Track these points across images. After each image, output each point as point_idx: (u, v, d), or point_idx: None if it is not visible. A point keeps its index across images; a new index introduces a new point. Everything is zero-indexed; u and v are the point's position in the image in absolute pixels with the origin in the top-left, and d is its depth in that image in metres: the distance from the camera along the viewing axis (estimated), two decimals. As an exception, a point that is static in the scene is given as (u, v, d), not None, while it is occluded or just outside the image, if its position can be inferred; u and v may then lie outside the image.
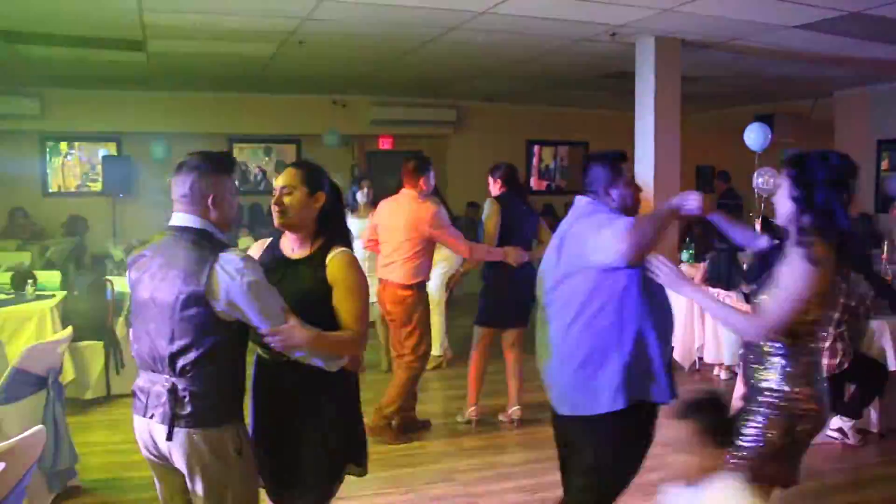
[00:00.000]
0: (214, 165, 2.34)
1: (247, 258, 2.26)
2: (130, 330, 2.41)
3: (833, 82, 9.08)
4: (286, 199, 2.49)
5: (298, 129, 10.88)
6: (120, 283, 5.70)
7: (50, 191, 10.56)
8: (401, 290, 4.66)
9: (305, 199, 2.50)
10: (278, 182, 2.53)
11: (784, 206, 2.45)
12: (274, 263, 2.53)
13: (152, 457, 2.36)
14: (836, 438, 4.70)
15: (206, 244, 2.25)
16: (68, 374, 4.96)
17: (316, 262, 2.48)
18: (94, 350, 5.41)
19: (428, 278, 4.83)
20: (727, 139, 11.49)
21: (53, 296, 5.66)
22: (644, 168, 6.95)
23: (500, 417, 5.05)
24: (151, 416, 2.25)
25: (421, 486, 4.10)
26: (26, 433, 2.45)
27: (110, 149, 10.65)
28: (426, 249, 4.69)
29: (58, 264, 7.90)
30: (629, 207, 2.82)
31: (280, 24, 6.24)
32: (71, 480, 3.89)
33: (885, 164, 9.35)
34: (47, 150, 10.55)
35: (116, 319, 5.58)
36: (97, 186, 10.54)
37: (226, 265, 2.19)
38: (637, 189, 2.90)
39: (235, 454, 2.28)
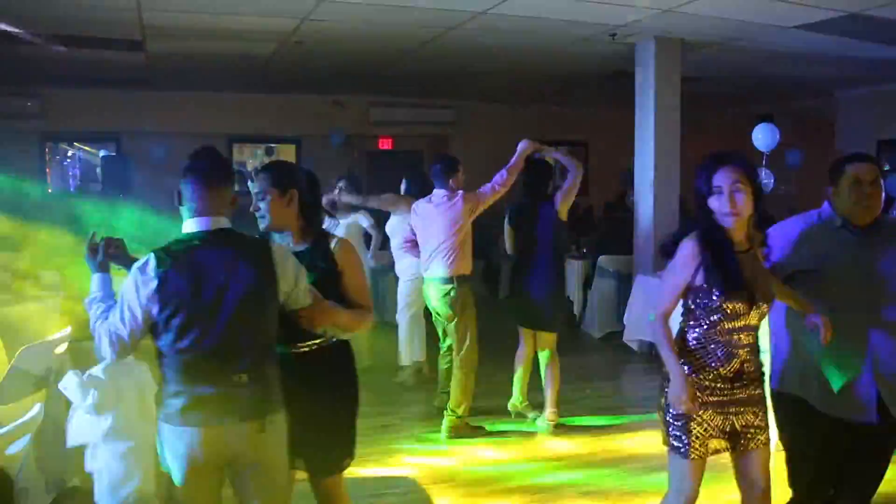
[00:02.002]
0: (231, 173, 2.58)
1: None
2: (173, 343, 2.27)
3: (833, 82, 9.08)
4: (262, 205, 2.66)
5: (298, 129, 10.88)
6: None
7: (49, 191, 10.56)
8: (444, 284, 4.71)
9: (278, 199, 2.64)
10: (253, 189, 2.70)
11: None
12: None
13: (209, 467, 2.30)
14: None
15: (252, 237, 2.46)
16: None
17: (321, 251, 2.68)
18: (93, 350, 5.39)
19: (469, 272, 4.85)
20: (727, 139, 11.51)
21: (53, 296, 5.65)
22: (644, 168, 6.96)
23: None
24: (226, 422, 2.27)
25: (421, 486, 4.10)
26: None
27: (110, 149, 10.65)
28: (465, 242, 4.77)
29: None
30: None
31: (280, 24, 6.24)
32: (70, 481, 3.88)
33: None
34: (47, 150, 10.55)
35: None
36: (97, 186, 10.54)
37: (281, 250, 2.41)
38: None
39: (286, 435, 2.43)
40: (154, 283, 2.22)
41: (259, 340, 2.34)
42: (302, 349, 2.62)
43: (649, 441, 5.00)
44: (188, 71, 8.53)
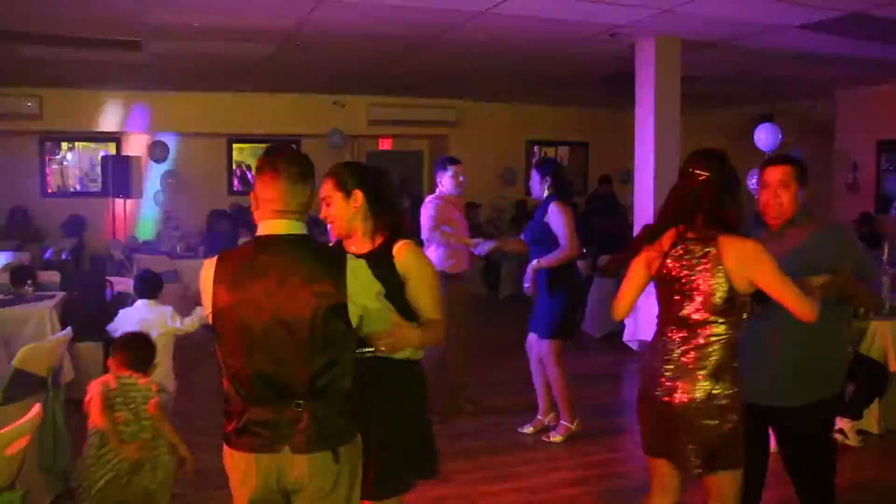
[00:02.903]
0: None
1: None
2: (227, 355, 2.07)
3: (833, 82, 9.08)
4: (329, 211, 2.47)
5: (298, 129, 10.88)
6: (120, 284, 5.70)
7: (49, 191, 10.57)
8: None
9: (343, 203, 2.46)
10: (319, 195, 2.46)
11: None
12: None
13: (266, 495, 2.07)
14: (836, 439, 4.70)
15: (329, 250, 2.22)
16: (68, 375, 4.95)
17: (383, 256, 2.42)
18: (93, 350, 5.40)
19: (456, 269, 4.96)
20: (727, 139, 11.50)
21: (53, 296, 5.66)
22: (644, 168, 6.95)
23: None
24: (282, 450, 2.02)
25: (421, 485, 4.09)
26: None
27: (110, 149, 10.65)
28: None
29: (57, 264, 7.89)
30: None
31: (280, 24, 6.24)
32: (70, 481, 3.88)
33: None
34: (47, 150, 10.55)
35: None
36: (97, 186, 10.55)
37: (361, 269, 2.10)
38: None
39: (361, 465, 2.19)
40: (210, 284, 2.05)
41: (322, 364, 2.03)
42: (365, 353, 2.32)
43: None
44: (188, 71, 8.53)
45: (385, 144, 11.66)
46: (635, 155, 7.08)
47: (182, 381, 5.85)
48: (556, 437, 4.70)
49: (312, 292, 2.00)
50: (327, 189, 2.47)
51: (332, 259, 2.10)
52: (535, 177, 4.79)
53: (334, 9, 5.69)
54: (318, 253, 2.11)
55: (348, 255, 2.14)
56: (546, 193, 4.69)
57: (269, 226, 2.09)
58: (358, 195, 2.45)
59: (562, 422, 4.74)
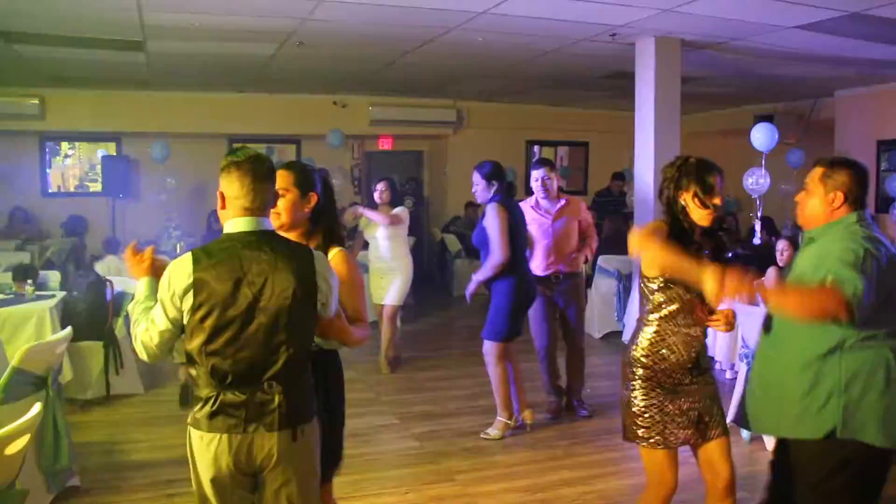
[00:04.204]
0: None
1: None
2: (204, 345, 2.18)
3: (833, 82, 9.08)
4: (280, 202, 2.54)
5: (298, 129, 10.89)
6: (120, 283, 5.70)
7: (50, 191, 10.57)
8: None
9: (298, 200, 2.58)
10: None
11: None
12: None
13: (236, 475, 2.22)
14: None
15: (296, 244, 2.36)
16: (68, 375, 4.96)
17: None
18: (93, 350, 5.40)
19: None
20: (727, 139, 11.51)
21: (53, 296, 5.66)
22: (644, 168, 6.96)
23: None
24: (255, 429, 2.19)
25: (421, 486, 4.10)
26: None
27: (110, 149, 10.65)
28: None
29: (57, 264, 7.90)
30: None
31: (280, 24, 6.24)
32: (70, 481, 3.89)
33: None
34: (47, 150, 10.55)
35: (116, 320, 5.57)
36: (97, 187, 10.55)
37: (322, 259, 2.34)
38: None
39: (319, 439, 2.38)
40: (188, 282, 2.14)
41: (294, 349, 2.23)
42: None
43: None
44: (188, 71, 8.53)
45: (385, 144, 11.66)
46: (635, 155, 7.09)
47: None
48: (493, 433, 4.75)
49: (291, 282, 2.20)
50: (285, 181, 2.58)
51: (301, 252, 2.30)
52: (477, 181, 4.68)
53: (334, 9, 5.69)
54: (289, 246, 2.29)
55: (315, 252, 2.34)
56: (489, 195, 4.65)
57: (242, 223, 2.23)
58: (313, 198, 2.61)
59: (498, 418, 4.78)
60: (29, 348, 3.62)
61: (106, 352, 5.44)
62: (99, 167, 10.48)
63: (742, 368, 4.87)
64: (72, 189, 10.73)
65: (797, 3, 5.42)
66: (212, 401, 2.18)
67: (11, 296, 5.63)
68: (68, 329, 4.09)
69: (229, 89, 10.03)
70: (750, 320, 4.82)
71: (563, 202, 5.10)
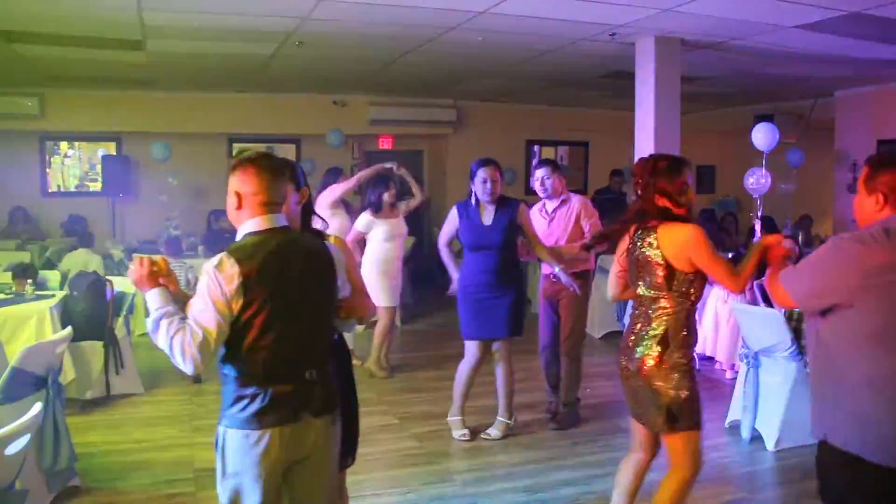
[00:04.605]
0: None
1: None
2: (255, 341, 2.19)
3: (833, 82, 9.08)
4: None
5: (298, 129, 10.89)
6: (120, 283, 5.70)
7: (49, 191, 10.56)
8: None
9: (294, 195, 2.62)
10: None
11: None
12: None
13: (279, 467, 2.24)
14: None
15: (311, 235, 2.55)
16: (68, 375, 4.96)
17: None
18: (93, 350, 5.40)
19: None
20: (727, 139, 11.52)
21: (53, 296, 5.66)
22: (644, 168, 6.95)
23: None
24: (304, 417, 2.27)
25: (421, 486, 4.10)
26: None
27: (110, 149, 10.65)
28: None
29: (57, 264, 7.89)
30: None
31: (280, 24, 6.24)
32: (70, 481, 3.89)
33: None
34: (47, 150, 10.55)
35: (116, 319, 5.57)
36: (97, 186, 10.55)
37: (332, 247, 2.48)
38: None
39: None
40: (238, 281, 2.13)
41: (326, 335, 2.41)
42: None
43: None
44: (188, 71, 8.53)
45: (385, 144, 11.66)
46: (635, 155, 7.08)
47: (182, 383, 5.88)
48: (494, 434, 4.80)
49: (324, 271, 2.36)
50: None
51: (320, 242, 2.46)
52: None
53: (334, 9, 5.69)
54: (309, 238, 2.46)
55: (326, 241, 2.51)
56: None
57: (264, 220, 2.27)
58: (305, 192, 2.70)
59: (500, 418, 4.87)
60: (28, 348, 3.62)
61: (106, 352, 5.44)
62: (99, 167, 10.48)
63: (742, 368, 4.86)
64: (72, 189, 10.73)
65: (797, 3, 5.42)
66: (260, 397, 2.19)
67: (11, 295, 5.64)
68: (68, 329, 4.09)
69: (229, 89, 10.03)
70: (750, 320, 4.82)
71: (558, 202, 5.03)
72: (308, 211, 2.74)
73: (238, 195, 2.26)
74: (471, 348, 4.70)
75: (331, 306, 2.41)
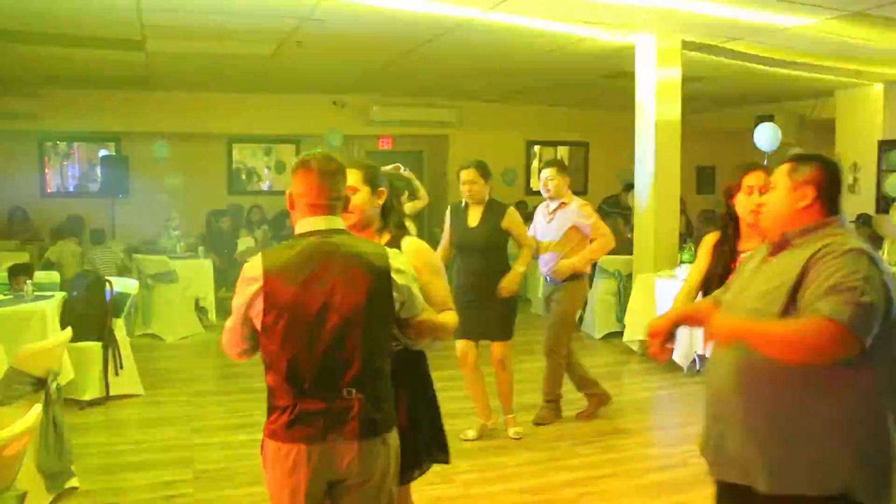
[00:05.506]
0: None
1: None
2: (279, 350, 2.12)
3: (833, 82, 9.09)
4: (352, 200, 2.48)
5: (298, 129, 10.88)
6: (119, 284, 5.69)
7: (48, 191, 10.55)
8: None
9: (369, 197, 2.56)
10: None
11: None
12: None
13: (315, 485, 2.14)
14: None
15: (368, 241, 2.33)
16: (67, 375, 4.95)
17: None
18: (92, 351, 5.39)
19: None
20: (727, 139, 11.51)
21: (53, 296, 5.65)
22: (644, 168, 6.95)
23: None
24: (335, 439, 2.11)
25: (421, 486, 4.08)
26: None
27: (109, 149, 10.64)
28: None
29: (56, 264, 7.88)
30: None
31: (280, 24, 6.24)
32: (69, 482, 3.88)
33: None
34: (45, 150, 10.54)
35: (115, 320, 5.57)
36: (96, 186, 10.54)
37: (398, 256, 2.26)
38: None
39: (399, 450, 2.31)
40: (258, 285, 2.09)
41: (371, 352, 2.16)
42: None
43: (649, 441, 5.01)
44: (188, 71, 8.53)
45: (385, 144, 11.66)
46: (635, 155, 7.08)
47: (181, 384, 5.87)
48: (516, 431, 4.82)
49: (365, 282, 2.13)
50: (355, 180, 2.53)
51: (375, 250, 2.23)
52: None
53: (334, 9, 5.69)
54: (361, 244, 2.22)
55: (389, 249, 2.27)
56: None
57: (311, 222, 2.19)
58: (383, 193, 2.61)
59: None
60: (27, 349, 3.62)
61: (105, 352, 5.43)
62: (98, 167, 10.47)
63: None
64: (71, 189, 10.71)
65: (797, 3, 5.42)
66: (289, 410, 2.11)
67: (11, 296, 5.63)
68: (67, 330, 4.08)
69: (229, 89, 10.02)
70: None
71: (557, 205, 4.99)
72: (389, 212, 2.65)
73: (290, 197, 2.23)
74: (458, 347, 4.75)
75: (378, 321, 2.18)
